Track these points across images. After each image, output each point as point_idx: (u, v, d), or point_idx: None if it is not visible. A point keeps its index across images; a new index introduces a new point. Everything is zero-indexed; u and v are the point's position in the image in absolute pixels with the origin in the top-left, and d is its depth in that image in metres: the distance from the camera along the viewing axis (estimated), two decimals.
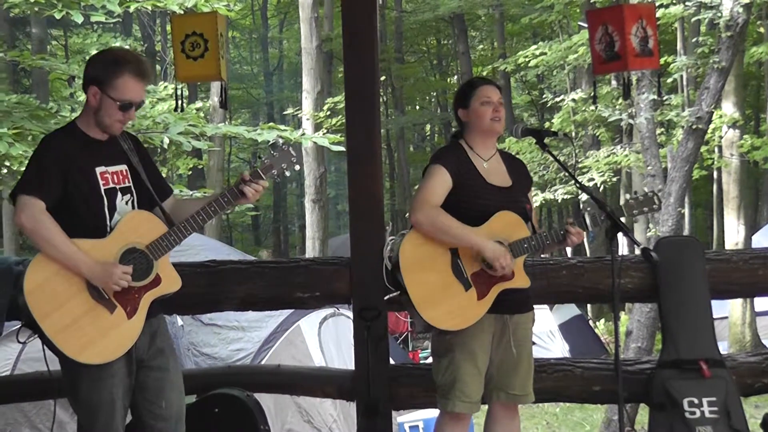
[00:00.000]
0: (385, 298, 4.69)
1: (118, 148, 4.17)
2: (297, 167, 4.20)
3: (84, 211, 4.01)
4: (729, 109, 16.25)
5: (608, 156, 18.36)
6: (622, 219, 4.58)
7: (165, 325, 4.32)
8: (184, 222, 4.09)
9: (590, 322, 17.22)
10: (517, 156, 4.99)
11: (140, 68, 4.08)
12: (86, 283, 3.95)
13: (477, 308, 4.47)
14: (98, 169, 4.06)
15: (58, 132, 4.22)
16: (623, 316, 14.77)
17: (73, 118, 4.26)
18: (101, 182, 4.05)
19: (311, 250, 16.53)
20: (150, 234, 4.07)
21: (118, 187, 4.11)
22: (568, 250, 5.34)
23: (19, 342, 4.12)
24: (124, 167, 4.16)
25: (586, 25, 5.87)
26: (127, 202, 4.12)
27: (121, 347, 4.00)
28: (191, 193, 12.88)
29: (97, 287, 3.96)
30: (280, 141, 4.28)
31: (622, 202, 4.76)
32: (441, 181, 4.52)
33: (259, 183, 4.13)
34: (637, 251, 4.78)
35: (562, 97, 19.74)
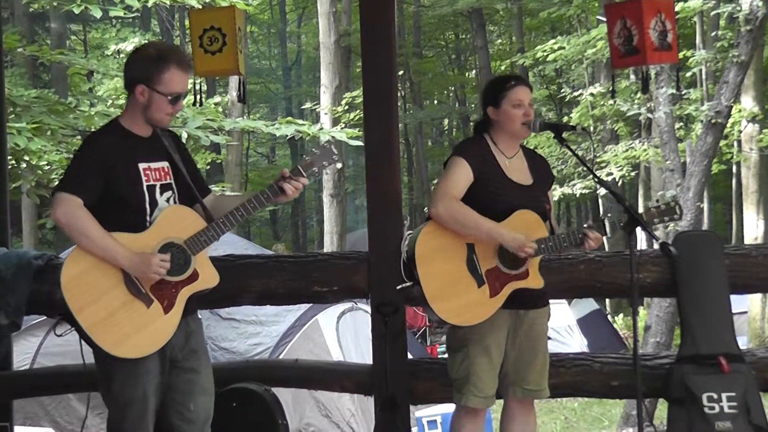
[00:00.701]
0: (398, 287, 4.69)
1: (160, 144, 4.16)
2: (339, 165, 4.20)
3: (125, 206, 4.00)
4: (748, 103, 16.19)
5: (627, 150, 18.30)
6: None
7: (201, 327, 4.32)
8: (223, 218, 4.07)
9: (609, 317, 17.18)
10: (536, 150, 4.95)
11: (183, 59, 4.10)
12: (123, 276, 3.94)
13: (488, 305, 4.47)
14: (141, 165, 4.06)
15: (102, 129, 4.23)
16: (642, 310, 14.70)
17: (115, 116, 4.26)
18: (143, 178, 4.05)
19: (329, 244, 16.53)
20: (188, 229, 4.05)
21: (159, 183, 4.10)
22: None
23: (56, 335, 4.15)
24: (165, 164, 4.16)
25: (604, 19, 5.86)
26: (167, 199, 4.11)
27: (157, 342, 3.99)
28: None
29: (134, 281, 3.95)
30: (323, 139, 4.25)
31: (642, 210, 4.71)
32: (462, 174, 4.51)
33: (300, 180, 4.11)
34: (656, 246, 4.76)
35: (580, 91, 19.69)
